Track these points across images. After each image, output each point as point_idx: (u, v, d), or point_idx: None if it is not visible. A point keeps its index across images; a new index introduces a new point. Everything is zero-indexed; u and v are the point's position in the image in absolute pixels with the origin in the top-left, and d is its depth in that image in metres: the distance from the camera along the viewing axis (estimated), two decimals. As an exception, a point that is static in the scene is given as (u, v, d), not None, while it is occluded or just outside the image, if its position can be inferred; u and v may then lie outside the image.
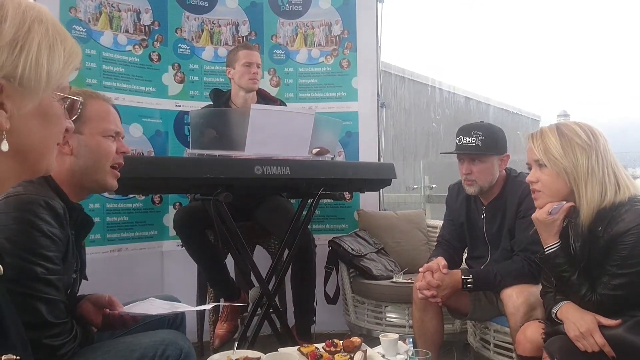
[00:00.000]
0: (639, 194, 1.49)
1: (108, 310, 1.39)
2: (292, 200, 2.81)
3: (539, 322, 1.67)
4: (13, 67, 0.65)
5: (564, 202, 1.55)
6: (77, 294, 1.47)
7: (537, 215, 1.60)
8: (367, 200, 3.26)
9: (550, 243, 1.58)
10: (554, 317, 1.56)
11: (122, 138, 1.47)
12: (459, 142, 2.13)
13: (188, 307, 1.54)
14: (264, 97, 2.84)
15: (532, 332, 1.65)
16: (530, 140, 1.61)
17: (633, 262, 1.40)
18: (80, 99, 0.77)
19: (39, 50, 0.67)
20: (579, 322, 1.45)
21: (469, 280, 2.03)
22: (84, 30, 2.79)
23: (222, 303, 2.66)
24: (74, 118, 0.76)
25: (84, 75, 2.78)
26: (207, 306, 2.03)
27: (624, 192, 1.47)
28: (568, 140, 1.52)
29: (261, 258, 2.87)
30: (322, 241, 3.00)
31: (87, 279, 1.51)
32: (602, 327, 1.43)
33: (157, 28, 3.06)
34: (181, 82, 3.13)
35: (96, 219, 2.78)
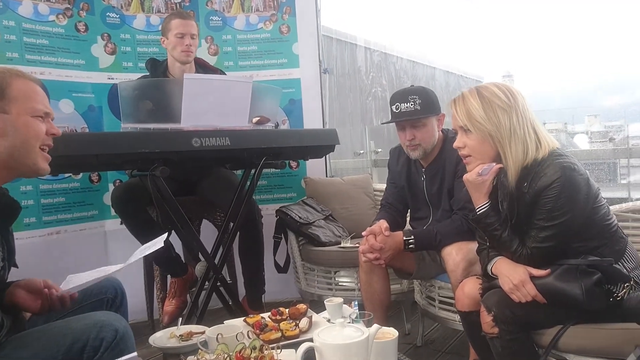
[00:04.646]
0: (558, 147, 1.54)
1: (47, 291, 1.34)
2: (239, 172, 2.76)
3: (477, 278, 1.73)
4: None
5: (494, 164, 1.58)
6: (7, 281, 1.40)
7: (467, 176, 1.63)
8: (314, 168, 3.25)
9: (481, 203, 1.61)
10: (490, 273, 1.62)
11: (52, 120, 1.39)
12: (396, 109, 2.11)
13: (115, 267, 1.51)
14: (202, 67, 2.74)
15: (470, 288, 1.69)
16: (452, 106, 1.62)
17: (557, 214, 1.45)
18: None
19: None
20: (511, 275, 1.51)
21: (411, 240, 2.07)
22: (-2, -1, 2.59)
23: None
24: None
25: (4, 48, 2.59)
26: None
27: (544, 147, 1.52)
28: (489, 102, 1.54)
29: (209, 232, 2.83)
30: (270, 211, 2.99)
31: (16, 267, 1.43)
32: (533, 277, 1.49)
33: (81, -4, 2.88)
34: (113, 53, 2.98)
35: (29, 202, 2.66)
